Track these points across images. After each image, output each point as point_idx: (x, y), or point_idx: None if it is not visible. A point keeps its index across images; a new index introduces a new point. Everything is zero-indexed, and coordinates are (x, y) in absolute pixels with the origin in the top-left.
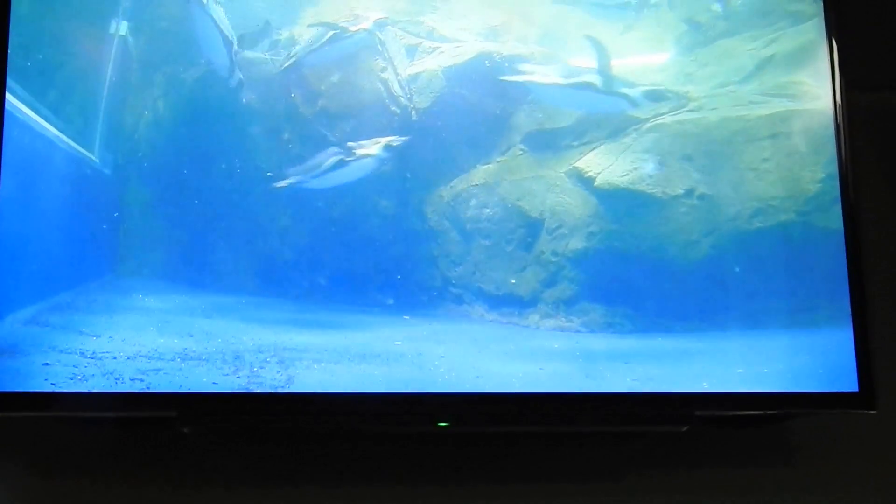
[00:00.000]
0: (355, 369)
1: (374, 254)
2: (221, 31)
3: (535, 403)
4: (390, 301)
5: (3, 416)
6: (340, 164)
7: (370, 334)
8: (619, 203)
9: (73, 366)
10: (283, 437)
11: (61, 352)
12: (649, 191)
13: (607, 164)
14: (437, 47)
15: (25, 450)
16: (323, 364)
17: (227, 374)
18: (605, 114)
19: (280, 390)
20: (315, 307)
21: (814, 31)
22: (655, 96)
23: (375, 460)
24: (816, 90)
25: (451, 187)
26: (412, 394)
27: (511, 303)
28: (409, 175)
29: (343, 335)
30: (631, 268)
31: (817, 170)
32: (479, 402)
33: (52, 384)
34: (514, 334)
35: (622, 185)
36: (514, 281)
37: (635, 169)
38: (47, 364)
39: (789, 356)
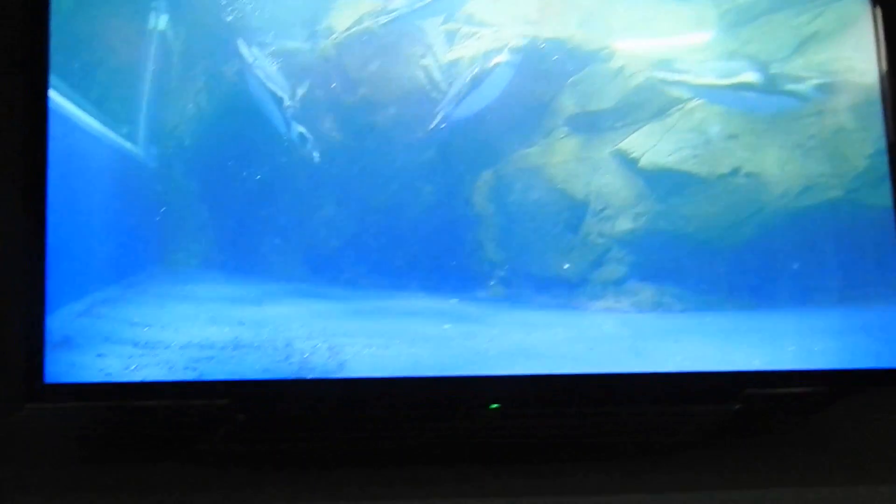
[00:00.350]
0: (406, 353)
1: (420, 239)
2: (269, 90)
3: (585, 384)
4: (438, 286)
5: (59, 407)
6: (475, 84)
7: (419, 319)
8: (665, 183)
9: (127, 356)
10: (336, 422)
11: (115, 343)
12: (695, 170)
13: (651, 145)
14: (476, 32)
15: (80, 440)
16: (373, 349)
17: (279, 361)
18: (649, 96)
19: (331, 376)
20: (363, 293)
21: (859, 4)
22: (828, 89)
23: (427, 443)
24: (862, 65)
25: (495, 172)
26: (463, 377)
27: (559, 285)
28: (452, 161)
29: (392, 320)
30: (679, 247)
31: (865, 146)
32: (529, 384)
33: (107, 375)
34: (563, 316)
35: (667, 166)
36: (561, 263)
37: (680, 149)
38: (101, 355)
39: (841, 333)
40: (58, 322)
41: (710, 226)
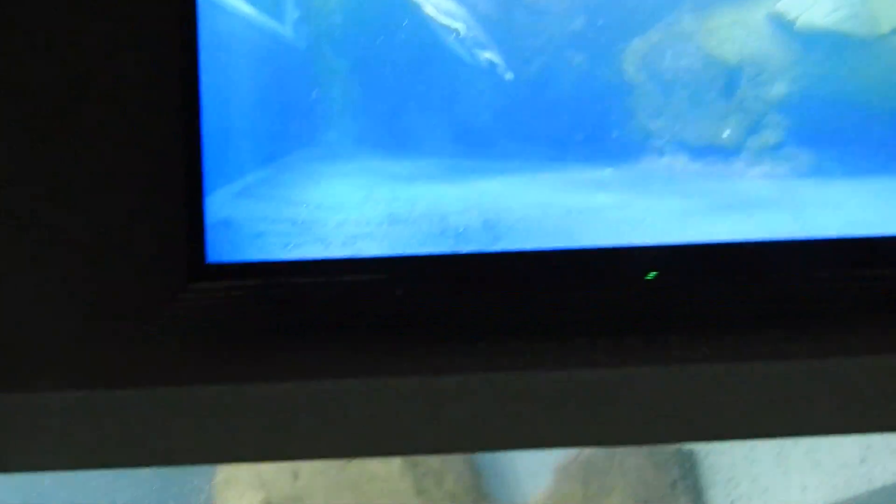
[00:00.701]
0: (560, 225)
1: (572, 111)
2: (441, 24)
3: (744, 251)
4: (591, 156)
5: (220, 286)
6: None
7: (572, 190)
8: (822, 45)
9: (285, 235)
10: (492, 295)
11: (272, 222)
12: (853, 31)
13: (808, 5)
14: None
15: (242, 318)
16: (528, 222)
17: (435, 236)
18: None
19: (487, 249)
20: (516, 166)
21: None
22: None
23: (584, 314)
24: None
25: (646, 39)
26: (619, 247)
27: (715, 152)
28: (601, 29)
29: (546, 192)
30: (838, 111)
31: None
32: (686, 253)
33: (266, 253)
34: (720, 183)
35: (825, 27)
36: (716, 130)
37: (837, 9)
38: (260, 234)
39: None
40: (217, 203)
41: (869, 88)
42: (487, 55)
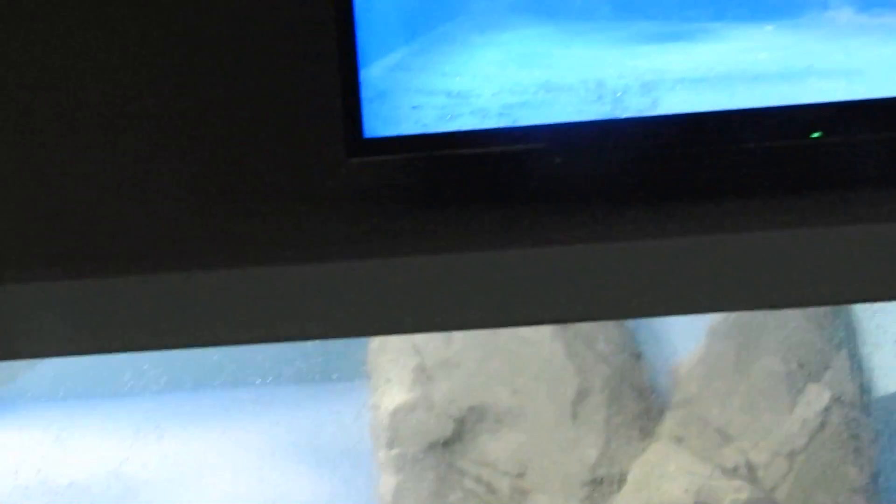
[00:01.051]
0: (719, 86)
1: None
2: None
3: None
4: (751, 14)
5: (378, 160)
6: None
7: (732, 50)
8: None
9: (442, 107)
10: (652, 160)
11: (428, 94)
12: None
13: None
14: None
15: (402, 191)
16: (686, 84)
17: (592, 102)
18: None
19: (646, 114)
20: (673, 28)
21: None
22: None
23: (748, 174)
24: None
25: None
26: (782, 106)
27: (881, 3)
28: None
29: (704, 53)
30: None
31: None
32: (853, 110)
33: (423, 126)
34: (889, 36)
35: None
36: None
37: None
38: (416, 107)
39: None
40: (371, 77)
41: None
42: None
